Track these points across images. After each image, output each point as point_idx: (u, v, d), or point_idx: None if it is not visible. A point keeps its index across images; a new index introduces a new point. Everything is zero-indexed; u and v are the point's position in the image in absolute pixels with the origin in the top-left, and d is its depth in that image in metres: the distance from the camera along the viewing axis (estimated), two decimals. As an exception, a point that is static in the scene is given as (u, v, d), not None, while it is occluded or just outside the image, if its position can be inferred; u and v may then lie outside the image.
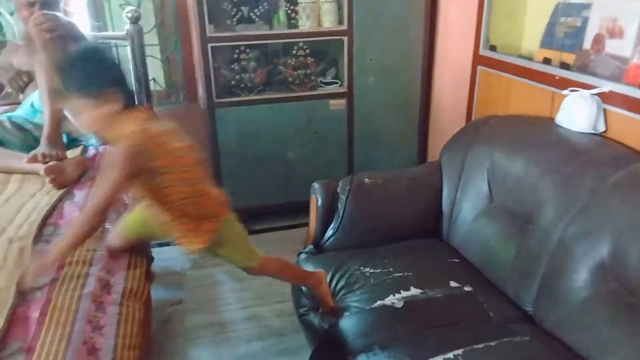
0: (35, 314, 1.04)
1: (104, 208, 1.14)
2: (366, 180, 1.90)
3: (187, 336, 2.00)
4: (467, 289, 1.51)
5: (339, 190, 1.87)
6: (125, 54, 2.66)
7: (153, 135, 1.16)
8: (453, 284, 1.54)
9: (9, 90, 2.30)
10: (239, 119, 2.54)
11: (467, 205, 1.77)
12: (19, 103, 2.31)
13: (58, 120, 1.82)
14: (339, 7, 2.47)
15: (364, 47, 2.53)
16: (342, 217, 1.83)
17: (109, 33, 2.70)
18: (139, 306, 1.18)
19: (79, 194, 1.58)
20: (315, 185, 1.92)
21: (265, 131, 2.58)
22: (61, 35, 1.84)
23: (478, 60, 2.23)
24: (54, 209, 1.47)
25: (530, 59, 1.93)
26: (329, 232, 1.86)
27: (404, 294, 1.47)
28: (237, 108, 2.53)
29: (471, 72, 2.27)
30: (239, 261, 1.48)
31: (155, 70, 2.87)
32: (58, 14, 1.91)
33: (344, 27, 2.48)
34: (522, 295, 1.47)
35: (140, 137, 1.14)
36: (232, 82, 2.53)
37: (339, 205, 1.85)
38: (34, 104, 1.98)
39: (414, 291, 1.48)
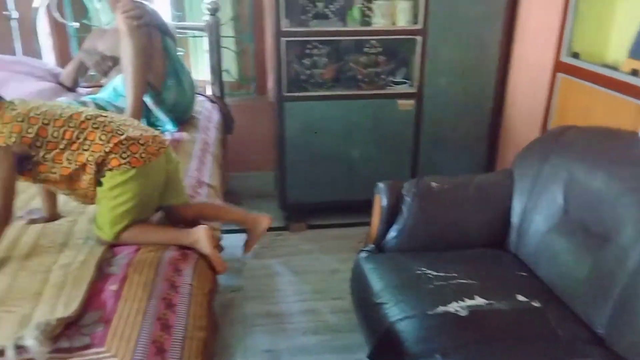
0: (113, 287, 1.09)
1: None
2: (433, 184, 1.86)
3: (245, 323, 2.05)
4: (535, 304, 1.45)
5: (404, 192, 1.85)
6: (202, 44, 2.76)
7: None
8: (520, 297, 1.48)
9: (93, 73, 2.42)
10: (307, 114, 2.56)
11: (539, 217, 1.70)
12: (100, 86, 2.44)
13: (139, 104, 1.90)
14: (415, 6, 2.44)
15: (438, 47, 2.48)
16: (406, 219, 1.81)
17: (188, 23, 2.79)
18: (208, 289, 1.22)
19: (154, 177, 1.64)
20: (381, 185, 1.91)
21: (332, 127, 2.59)
22: (146, 23, 1.92)
23: (558, 67, 2.13)
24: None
25: (615, 69, 1.83)
26: (392, 233, 1.84)
27: (468, 302, 1.44)
28: (305, 103, 2.55)
29: (550, 79, 2.18)
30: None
31: (228, 62, 2.95)
32: (144, 2, 1.99)
33: (419, 26, 2.44)
34: (594, 315, 1.40)
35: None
36: (302, 77, 2.55)
37: (404, 207, 1.82)
38: (117, 88, 2.07)
39: (479, 300, 1.44)
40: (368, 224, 1.98)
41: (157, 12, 2.06)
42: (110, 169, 1.21)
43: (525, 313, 1.43)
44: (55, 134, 1.19)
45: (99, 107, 2.01)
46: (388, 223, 1.86)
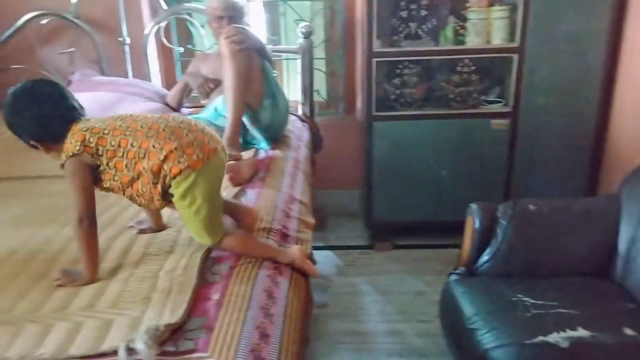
0: (215, 295, 1.14)
1: (84, 209, 1.22)
2: (531, 206, 1.78)
3: (329, 340, 2.06)
4: (646, 339, 1.34)
5: (499, 214, 1.79)
6: (295, 66, 2.85)
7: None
8: (628, 331, 1.38)
9: (196, 94, 2.59)
10: (396, 133, 2.56)
11: (650, 245, 1.57)
12: (201, 106, 2.59)
13: (238, 124, 2.00)
14: (511, 24, 2.38)
15: (535, 65, 2.39)
16: (500, 243, 1.74)
17: (283, 47, 2.90)
18: (302, 301, 1.25)
19: (250, 192, 1.72)
20: (473, 206, 1.86)
21: (421, 147, 2.57)
22: (248, 47, 2.02)
23: (673, 85, 1.98)
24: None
25: None
26: (485, 256, 1.78)
27: (570, 333, 1.35)
28: (394, 122, 2.56)
29: (663, 99, 2.03)
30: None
31: (318, 82, 3.02)
32: (246, 28, 2.10)
33: (516, 44, 2.37)
34: None
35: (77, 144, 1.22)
36: (392, 97, 2.56)
37: (498, 230, 1.76)
38: (217, 108, 2.19)
39: (582, 332, 1.35)
40: (456, 246, 1.94)
41: (257, 37, 2.17)
42: (173, 178, 1.22)
43: (634, 348, 1.32)
44: (112, 143, 1.23)
45: (201, 125, 2.14)
46: (481, 246, 1.80)
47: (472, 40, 2.41)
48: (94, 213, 1.24)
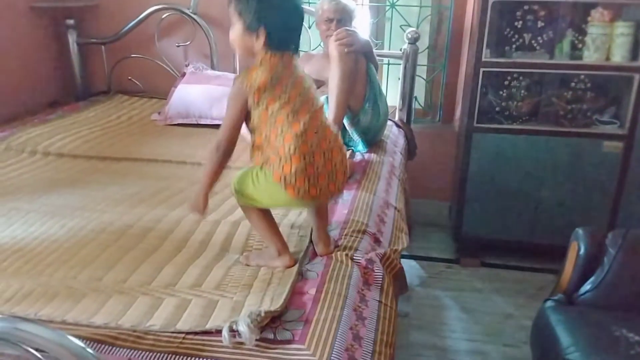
0: (311, 290, 1.17)
1: (225, 138, 1.22)
2: (644, 238, 1.65)
3: (410, 351, 2.03)
4: None
5: (607, 242, 1.67)
6: (396, 71, 2.84)
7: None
8: None
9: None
10: (496, 147, 2.47)
11: None
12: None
13: (340, 124, 2.03)
14: (635, 41, 2.21)
15: (659, 87, 2.21)
16: (606, 273, 1.63)
17: (386, 51, 2.90)
18: (392, 307, 1.24)
19: (347, 194, 1.72)
20: (580, 231, 1.75)
21: (522, 163, 2.46)
22: (357, 50, 2.04)
23: None
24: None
25: None
26: (587, 285, 1.67)
27: (684, 379, 1.24)
28: (496, 135, 2.47)
29: None
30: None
31: (417, 89, 2.98)
32: (356, 31, 2.12)
33: (638, 63, 2.21)
34: None
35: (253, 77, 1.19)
36: (497, 109, 2.47)
37: (605, 259, 1.65)
38: (319, 108, 2.24)
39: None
40: (550, 271, 1.85)
41: (368, 41, 2.19)
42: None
43: None
44: (280, 100, 1.20)
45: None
46: (584, 274, 1.69)
47: (591, 56, 2.27)
48: (232, 144, 1.26)
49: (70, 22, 2.84)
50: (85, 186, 1.74)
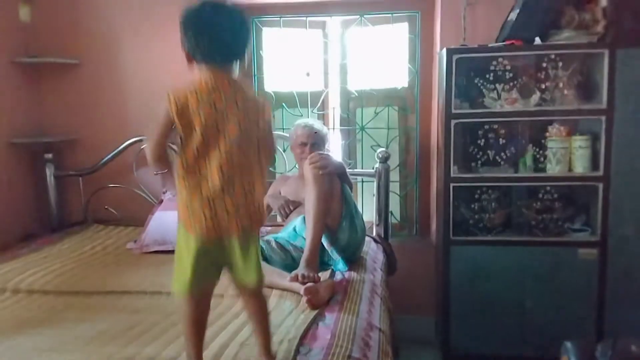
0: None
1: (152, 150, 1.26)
2: (633, 347, 1.63)
3: None
4: None
5: (597, 354, 1.64)
6: (370, 188, 2.92)
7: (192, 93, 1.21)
8: None
9: (274, 214, 2.68)
10: (474, 259, 2.49)
11: None
12: (280, 225, 2.66)
13: (317, 244, 2.03)
14: (594, 152, 2.35)
15: (622, 194, 2.32)
16: (602, 388, 1.57)
17: (359, 170, 3.01)
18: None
19: (329, 317, 1.68)
20: (568, 344, 1.72)
21: (502, 274, 2.47)
22: (331, 172, 2.12)
23: None
24: (310, 328, 1.58)
25: None
26: (585, 403, 1.60)
27: None
28: (473, 247, 2.50)
29: None
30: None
31: (392, 204, 3.05)
32: (329, 154, 2.21)
33: (599, 173, 2.33)
34: None
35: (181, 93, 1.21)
36: (471, 221, 2.53)
37: (599, 373, 1.60)
38: (296, 228, 2.25)
39: None
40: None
41: (342, 163, 2.28)
42: None
43: None
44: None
45: (279, 245, 2.19)
46: (579, 390, 1.63)
47: (553, 168, 2.39)
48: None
49: (49, 156, 2.90)
50: (56, 325, 1.65)
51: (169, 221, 2.52)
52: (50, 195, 2.91)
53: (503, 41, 2.45)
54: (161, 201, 2.74)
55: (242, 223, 1.25)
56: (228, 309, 1.78)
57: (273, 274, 1.97)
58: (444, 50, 2.45)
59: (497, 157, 2.49)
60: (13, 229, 2.80)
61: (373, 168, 2.73)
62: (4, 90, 2.80)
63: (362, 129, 3.05)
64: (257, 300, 1.34)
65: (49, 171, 2.90)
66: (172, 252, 2.40)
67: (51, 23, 2.98)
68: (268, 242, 2.20)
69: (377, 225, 2.79)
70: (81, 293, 1.96)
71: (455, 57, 2.39)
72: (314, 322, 1.63)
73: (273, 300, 1.85)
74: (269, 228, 2.73)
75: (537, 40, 2.39)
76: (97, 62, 2.99)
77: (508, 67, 2.44)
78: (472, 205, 2.53)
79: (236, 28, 1.30)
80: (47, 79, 3.03)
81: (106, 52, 2.99)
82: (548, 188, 2.45)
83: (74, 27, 2.99)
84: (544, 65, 2.42)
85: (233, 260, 1.29)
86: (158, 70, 2.93)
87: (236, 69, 1.32)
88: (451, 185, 2.46)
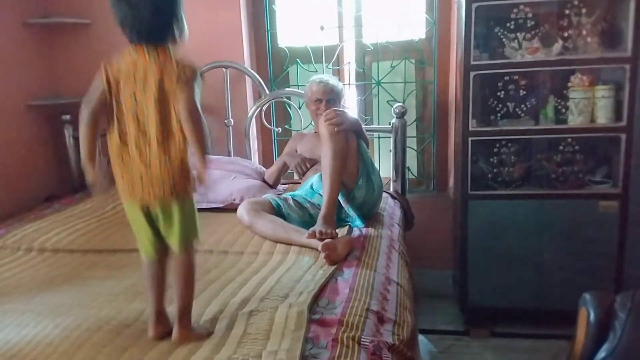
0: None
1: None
2: (653, 299, 1.62)
3: None
4: None
5: (616, 306, 1.63)
6: (387, 144, 2.90)
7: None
8: None
9: (290, 171, 2.68)
10: (493, 213, 2.48)
11: None
12: (297, 183, 2.68)
13: (334, 201, 2.04)
14: (617, 102, 2.28)
15: (647, 145, 2.26)
16: (619, 339, 1.58)
17: (375, 126, 2.97)
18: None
19: (347, 272, 1.70)
20: (587, 296, 1.71)
21: (520, 228, 2.46)
22: (346, 129, 2.09)
23: None
24: (328, 282, 1.61)
25: None
26: (601, 353, 1.61)
27: None
28: (491, 201, 2.48)
29: None
30: None
31: (409, 160, 3.03)
32: (345, 110, 2.19)
33: (623, 123, 2.27)
34: None
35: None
36: (489, 175, 2.50)
37: (617, 324, 1.60)
38: (313, 186, 2.26)
39: None
40: (562, 337, 1.79)
41: (354, 118, 2.25)
42: None
43: None
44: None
45: (297, 203, 2.21)
46: (597, 340, 1.64)
47: (575, 120, 2.33)
48: None
49: (66, 117, 2.91)
50: (82, 282, 1.71)
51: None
52: (70, 156, 2.95)
53: (525, -13, 2.35)
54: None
55: (156, 192, 1.28)
56: (248, 265, 1.81)
57: (291, 231, 1.99)
58: (463, -2, 2.36)
59: (517, 110, 2.44)
60: (36, 190, 2.86)
61: (389, 124, 2.70)
62: (17, 52, 2.79)
63: (378, 83, 3.00)
64: (180, 265, 1.35)
65: (67, 132, 2.93)
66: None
67: (61, -18, 2.94)
68: (285, 199, 2.22)
69: (394, 181, 2.79)
70: (105, 251, 2.01)
71: (474, 5, 2.31)
72: (332, 277, 1.65)
73: (292, 256, 1.88)
74: (286, 186, 2.75)
75: (561, -14, 2.28)
76: (109, 21, 2.94)
77: (529, 15, 2.35)
78: (491, 159, 2.50)
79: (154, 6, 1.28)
80: (60, 40, 3.02)
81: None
82: (569, 140, 2.40)
83: (84, -15, 2.94)
84: (567, 12, 2.33)
85: (158, 225, 1.33)
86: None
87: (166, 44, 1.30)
88: (469, 139, 2.42)
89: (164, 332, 1.34)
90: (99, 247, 2.05)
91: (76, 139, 2.96)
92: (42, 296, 1.61)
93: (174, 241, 1.33)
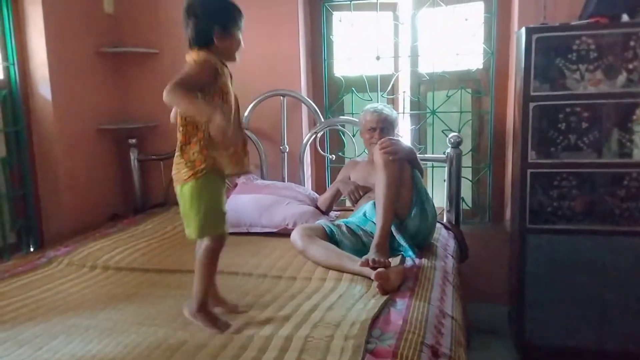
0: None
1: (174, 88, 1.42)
2: None
3: None
4: None
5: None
6: (441, 174, 2.88)
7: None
8: None
9: (343, 198, 2.70)
10: (552, 248, 2.40)
11: None
12: (349, 209, 2.69)
13: (387, 231, 2.04)
14: (688, 137, 2.18)
15: None
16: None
17: (429, 155, 2.96)
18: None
19: (400, 302, 1.68)
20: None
21: (581, 264, 2.36)
22: (401, 158, 2.10)
23: None
24: (381, 313, 1.60)
25: None
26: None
27: None
28: (551, 236, 2.41)
29: None
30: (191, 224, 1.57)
31: (464, 190, 2.99)
32: (400, 139, 2.20)
33: (693, 159, 2.16)
34: None
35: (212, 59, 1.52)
36: (549, 209, 2.43)
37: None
38: (366, 214, 2.26)
39: None
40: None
41: (412, 149, 2.25)
42: None
43: None
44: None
45: (350, 229, 2.22)
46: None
47: (640, 154, 2.24)
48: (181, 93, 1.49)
49: (132, 141, 3.07)
50: (142, 300, 1.78)
51: (243, 204, 2.62)
52: (134, 178, 3.10)
53: (587, 18, 2.31)
54: (235, 185, 2.83)
55: (175, 176, 1.56)
56: (300, 291, 1.83)
57: (344, 258, 2.00)
58: (523, 29, 2.34)
59: (579, 142, 2.36)
60: (101, 209, 3.01)
61: (444, 153, 2.68)
62: (91, 79, 2.99)
63: (433, 113, 2.99)
64: (200, 252, 1.60)
65: (133, 155, 3.09)
66: (246, 233, 2.54)
67: (133, 14, 3.14)
68: (339, 226, 2.23)
69: (448, 211, 2.75)
70: (164, 271, 2.09)
71: (535, 36, 2.29)
72: (385, 307, 1.64)
73: (344, 284, 1.88)
74: (338, 213, 2.77)
75: (625, 17, 2.23)
76: (176, 51, 3.12)
77: (592, 46, 2.30)
78: (551, 192, 2.43)
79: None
80: (130, 68, 3.20)
81: (184, 42, 3.10)
82: (634, 175, 2.30)
83: (154, 18, 3.12)
84: (632, 43, 2.26)
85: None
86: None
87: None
88: (528, 171, 2.37)
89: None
90: (158, 267, 2.13)
91: (141, 161, 3.12)
92: (106, 313, 1.68)
93: (187, 227, 1.61)
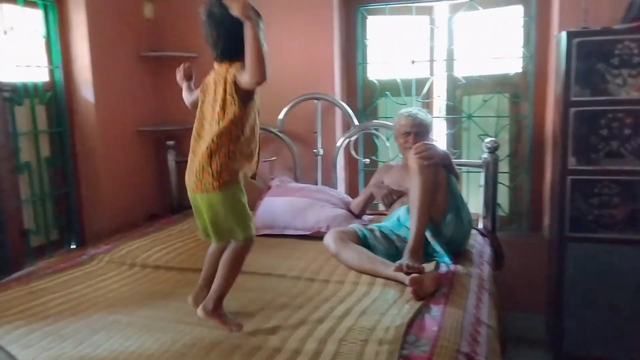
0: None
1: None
2: None
3: None
4: None
5: None
6: (477, 179, 2.83)
7: None
8: None
9: (376, 202, 2.69)
10: (592, 257, 2.33)
11: None
12: (383, 214, 2.68)
13: (421, 236, 2.02)
14: None
15: None
16: None
17: (465, 160, 2.92)
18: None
19: (435, 309, 1.67)
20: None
21: (623, 275, 2.30)
22: (436, 163, 2.08)
23: None
24: (415, 318, 1.59)
25: None
26: None
27: None
28: (591, 245, 2.34)
29: None
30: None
31: (500, 196, 2.94)
32: (435, 143, 2.18)
33: None
34: None
35: None
36: (589, 217, 2.36)
37: None
38: (400, 218, 2.25)
39: None
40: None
41: (448, 153, 2.23)
42: None
43: None
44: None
45: (384, 235, 2.21)
46: None
47: (687, 161, 2.16)
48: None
49: (170, 142, 3.14)
50: (179, 298, 1.81)
51: (277, 206, 2.64)
52: (171, 179, 3.17)
53: (629, 22, 2.24)
54: (269, 187, 2.86)
55: (202, 183, 1.54)
56: (333, 294, 1.83)
57: (377, 262, 1.99)
58: (563, 33, 2.29)
59: (621, 149, 2.29)
60: (140, 208, 3.09)
61: (480, 158, 2.64)
62: (131, 82, 3.07)
63: (469, 117, 2.96)
64: (225, 253, 1.62)
65: (170, 157, 3.15)
66: (280, 236, 2.56)
67: (172, 19, 3.21)
68: (372, 230, 2.23)
69: (484, 217, 2.71)
70: (200, 270, 2.11)
71: (575, 40, 2.24)
72: (419, 313, 1.62)
73: (377, 288, 1.87)
74: (371, 217, 2.76)
75: (671, 20, 2.15)
76: (213, 55, 3.19)
77: (635, 51, 2.23)
78: (591, 200, 2.36)
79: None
80: (169, 72, 3.25)
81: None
82: (681, 184, 2.22)
83: (192, 22, 3.17)
84: (678, 47, 2.18)
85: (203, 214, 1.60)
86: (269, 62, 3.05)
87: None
88: (568, 177, 2.31)
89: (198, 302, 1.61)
90: (195, 266, 2.15)
91: (178, 163, 3.18)
92: (144, 310, 1.73)
93: (213, 234, 1.64)
